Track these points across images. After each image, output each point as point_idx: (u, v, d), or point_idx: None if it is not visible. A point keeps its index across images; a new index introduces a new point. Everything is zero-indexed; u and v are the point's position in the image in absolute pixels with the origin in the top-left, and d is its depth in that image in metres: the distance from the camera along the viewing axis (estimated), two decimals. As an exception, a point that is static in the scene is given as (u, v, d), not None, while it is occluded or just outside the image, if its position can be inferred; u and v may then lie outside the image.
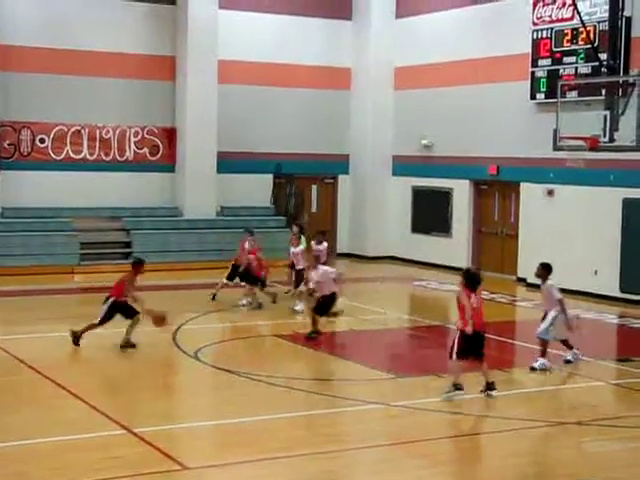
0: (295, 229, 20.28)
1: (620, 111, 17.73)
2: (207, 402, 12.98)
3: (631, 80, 18.28)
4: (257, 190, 28.04)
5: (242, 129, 27.68)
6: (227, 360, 14.82)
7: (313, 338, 15.95)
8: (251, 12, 27.87)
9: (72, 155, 26.09)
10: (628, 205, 21.14)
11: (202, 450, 10.78)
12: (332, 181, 29.86)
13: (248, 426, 11.45)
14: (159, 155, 27.06)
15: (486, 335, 12.95)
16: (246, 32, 27.68)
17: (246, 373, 13.79)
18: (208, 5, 26.43)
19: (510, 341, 17.02)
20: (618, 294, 21.31)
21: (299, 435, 11.44)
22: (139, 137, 26.80)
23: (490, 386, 12.82)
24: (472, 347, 12.70)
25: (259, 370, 13.97)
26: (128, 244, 25.87)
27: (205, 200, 26.76)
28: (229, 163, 27.01)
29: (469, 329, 12.58)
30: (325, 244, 20.07)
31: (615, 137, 17.66)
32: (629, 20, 20.93)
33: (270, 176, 28.33)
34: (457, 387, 12.65)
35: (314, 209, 29.76)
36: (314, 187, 29.70)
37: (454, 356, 12.73)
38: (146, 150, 26.90)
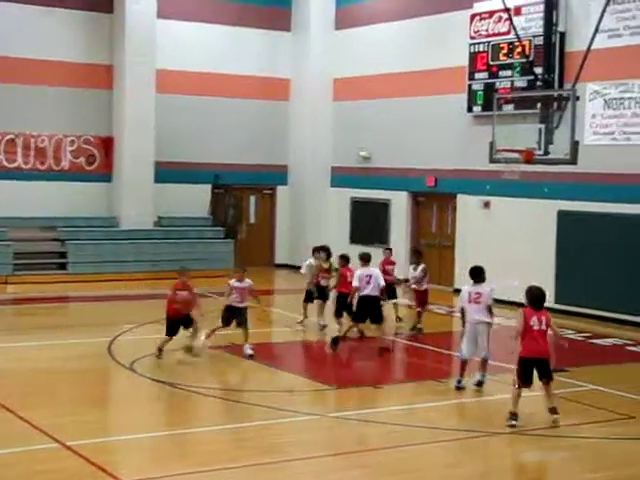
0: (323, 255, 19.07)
1: (555, 124, 17.99)
2: (143, 414, 12.82)
3: (565, 94, 18.55)
4: (195, 200, 27.89)
5: (180, 139, 27.53)
6: (163, 372, 14.68)
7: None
8: (190, 22, 27.76)
9: (6, 164, 25.68)
10: (563, 217, 21.43)
11: (138, 463, 10.65)
12: (271, 192, 29.83)
13: (184, 438, 11.35)
14: (96, 164, 26.76)
15: (546, 359, 12.18)
16: (185, 42, 27.58)
17: (182, 385, 13.68)
18: (146, 14, 26.24)
19: (446, 352, 17.11)
20: (553, 305, 21.55)
21: (235, 447, 11.38)
22: (75, 146, 26.48)
23: (551, 411, 12.22)
24: (532, 372, 12.06)
25: (195, 382, 13.86)
26: (63, 254, 25.53)
27: (142, 210, 26.52)
28: (167, 173, 26.82)
29: (526, 353, 12.01)
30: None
31: (550, 150, 17.90)
32: (563, 35, 21.27)
33: (208, 186, 28.21)
34: (512, 416, 12.09)
35: (252, 220, 29.69)
36: (252, 198, 29.64)
37: (515, 384, 12.22)
38: (82, 159, 26.58)
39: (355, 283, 16.47)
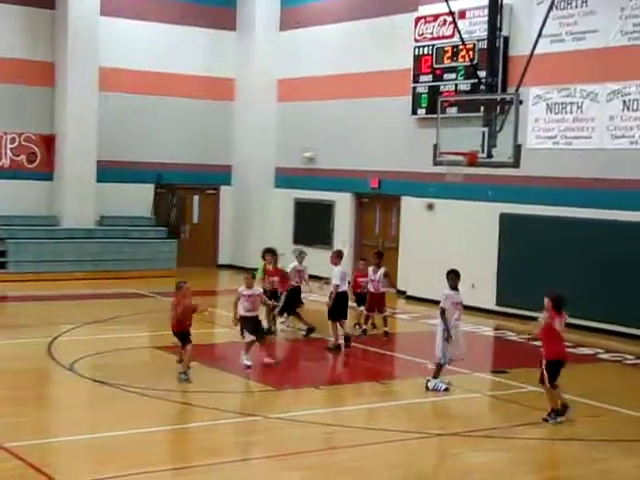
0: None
1: (498, 128, 18.09)
2: (83, 415, 12.67)
3: (508, 98, 18.69)
4: (138, 200, 27.66)
5: (124, 138, 27.27)
6: (104, 372, 14.50)
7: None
8: (135, 20, 27.53)
9: (-55, 161, 25.29)
10: (505, 220, 21.61)
11: (78, 465, 10.52)
12: (214, 192, 29.69)
13: (124, 439, 11.21)
14: (37, 162, 26.41)
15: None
16: (129, 40, 27.33)
17: (123, 385, 13.53)
18: (89, 11, 25.95)
19: (389, 353, 17.15)
20: (494, 307, 21.75)
21: (176, 448, 11.30)
22: (16, 144, 26.10)
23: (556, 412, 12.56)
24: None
25: (137, 382, 13.72)
26: (3, 253, 25.13)
27: (84, 209, 26.21)
28: (110, 172, 26.55)
29: (555, 356, 12.47)
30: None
31: (493, 153, 18.00)
32: (507, 40, 21.45)
33: (151, 186, 27.99)
34: (558, 412, 12.53)
35: (196, 220, 29.53)
36: (196, 198, 29.47)
37: (547, 385, 12.56)
38: (23, 157, 26.22)
39: (336, 281, 16.89)
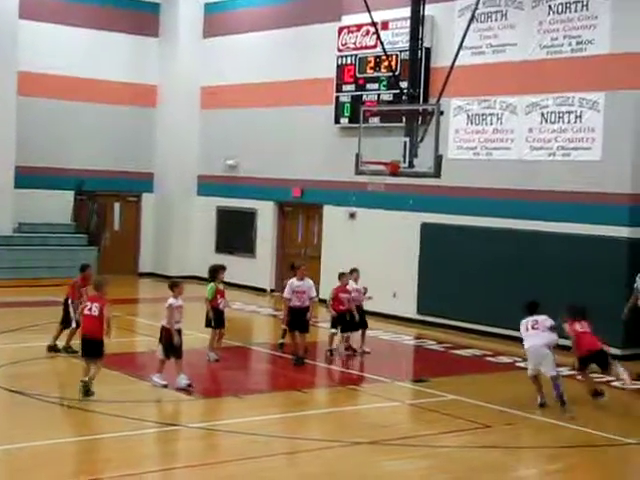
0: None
1: (419, 138, 18.22)
2: (-2, 426, 12.43)
3: (430, 109, 18.86)
4: (58, 207, 27.27)
5: (43, 144, 26.88)
6: (20, 382, 14.23)
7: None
8: (56, 24, 27.15)
9: None
10: (426, 229, 21.79)
11: (-11, 477, 10.30)
12: (136, 199, 29.42)
13: (40, 450, 11.01)
14: (-47, 168, 25.87)
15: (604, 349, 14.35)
16: (49, 44, 26.95)
17: (40, 395, 13.30)
18: (7, 14, 25.51)
19: (309, 362, 17.12)
20: (415, 316, 21.91)
21: (94, 459, 11.13)
22: None
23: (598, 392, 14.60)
24: (594, 361, 14.42)
25: (54, 392, 13.50)
26: None
27: (1, 216, 25.70)
28: (28, 178, 26.12)
29: (580, 353, 14.32)
30: None
31: (414, 163, 18.13)
32: (429, 51, 21.68)
33: (71, 193, 27.61)
34: (599, 392, 14.58)
35: (117, 227, 29.22)
36: (117, 205, 29.17)
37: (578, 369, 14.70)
38: (-63, 163, 25.67)
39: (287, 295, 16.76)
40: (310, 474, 10.78)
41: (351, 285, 17.84)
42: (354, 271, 18.21)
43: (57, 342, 16.60)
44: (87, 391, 13.30)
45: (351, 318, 17.57)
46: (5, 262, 25.34)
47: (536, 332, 14.14)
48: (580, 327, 14.32)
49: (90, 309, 13.70)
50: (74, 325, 16.21)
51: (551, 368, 13.95)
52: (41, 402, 13.06)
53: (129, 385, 14.66)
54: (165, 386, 14.21)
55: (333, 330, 17.64)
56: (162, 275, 28.05)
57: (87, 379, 13.39)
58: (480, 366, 17.72)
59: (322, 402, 14.59)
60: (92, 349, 13.61)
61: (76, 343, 15.24)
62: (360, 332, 17.99)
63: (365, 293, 18.24)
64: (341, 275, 17.90)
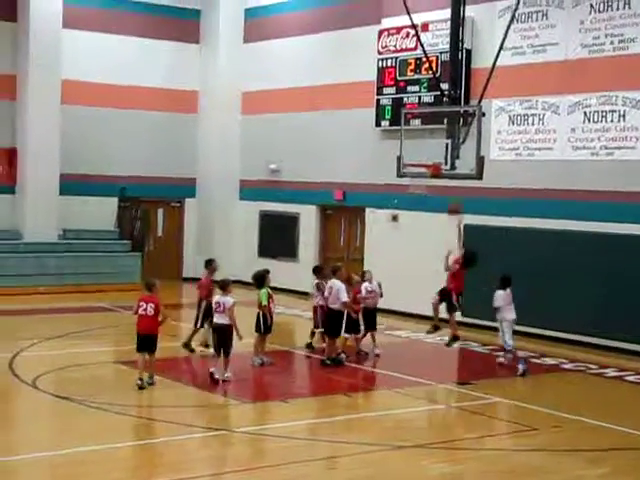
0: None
1: (461, 140, 18.15)
2: (46, 432, 12.54)
3: (471, 110, 18.78)
4: (101, 213, 27.50)
5: (87, 151, 27.12)
6: (67, 388, 14.39)
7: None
8: (96, 32, 27.40)
9: None
10: (468, 231, 21.63)
11: (38, 482, 10.41)
12: (179, 205, 29.60)
13: (89, 456, 11.09)
14: (-2, 176, 26.22)
15: None
16: (92, 52, 27.20)
17: (86, 401, 13.42)
18: (51, 23, 25.79)
19: (355, 366, 17.11)
20: (459, 318, 21.75)
21: (142, 464, 11.20)
22: (-22, 157, 25.92)
23: None
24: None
25: (100, 398, 13.61)
26: (-35, 267, 24.89)
27: (46, 223, 26.00)
28: (73, 185, 26.38)
29: None
30: None
31: (456, 165, 18.06)
32: (469, 52, 21.59)
33: (115, 199, 27.84)
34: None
35: (160, 233, 29.41)
36: (160, 211, 29.36)
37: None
38: (-15, 171, 26.03)
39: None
40: (355, 478, 10.77)
41: (365, 287, 17.91)
42: (366, 272, 18.65)
43: (192, 342, 17.43)
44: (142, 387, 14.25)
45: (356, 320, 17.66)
46: (50, 268, 25.61)
47: (510, 307, 16.92)
48: None
49: (145, 309, 14.47)
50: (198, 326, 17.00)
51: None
52: (87, 408, 13.16)
53: (175, 390, 14.74)
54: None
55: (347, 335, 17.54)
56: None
57: (144, 378, 14.35)
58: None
59: (366, 405, 14.58)
60: (148, 344, 14.51)
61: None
62: (370, 334, 18.08)
63: (380, 292, 18.20)
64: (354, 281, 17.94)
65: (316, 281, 18.17)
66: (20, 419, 13.41)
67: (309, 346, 18.26)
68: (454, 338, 17.75)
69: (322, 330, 17.71)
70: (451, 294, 17.40)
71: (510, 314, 17.16)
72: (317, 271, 18.67)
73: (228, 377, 15.00)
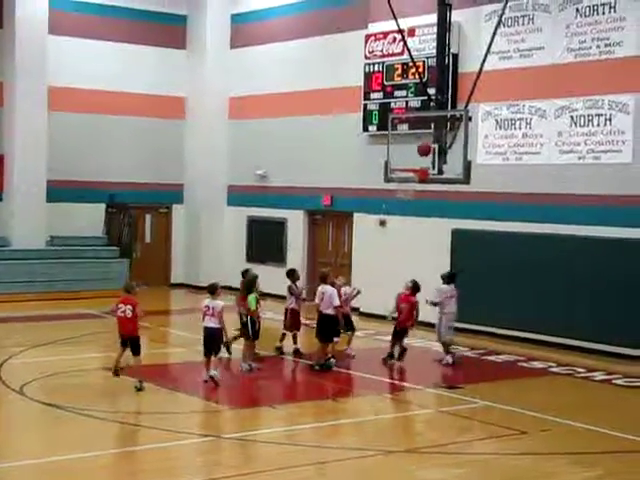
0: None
1: (448, 144, 18.19)
2: (34, 439, 12.47)
3: (458, 114, 18.82)
4: (89, 220, 27.45)
5: (74, 157, 27.07)
6: (55, 395, 14.34)
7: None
8: (83, 39, 27.35)
9: None
10: (456, 236, 21.72)
11: (26, 490, 10.36)
12: (166, 211, 29.56)
13: (77, 463, 11.06)
14: (-15, 183, 26.13)
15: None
16: (78, 59, 27.17)
17: (74, 408, 13.38)
18: (37, 30, 25.74)
19: (344, 371, 17.11)
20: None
21: (132, 470, 11.16)
22: (-37, 164, 25.84)
23: None
24: None
25: (88, 405, 13.57)
26: (-48, 275, 24.81)
27: (34, 230, 25.94)
28: (60, 192, 26.32)
29: None
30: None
31: (444, 170, 18.09)
32: (456, 57, 21.63)
33: (103, 205, 27.80)
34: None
35: (148, 239, 29.36)
36: (148, 217, 29.32)
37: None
38: (-29, 178, 25.95)
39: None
40: (346, 483, 10.77)
41: (344, 290, 18.36)
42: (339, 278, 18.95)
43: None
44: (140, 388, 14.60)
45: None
46: (38, 275, 25.54)
47: (452, 301, 17.66)
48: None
49: (124, 311, 14.77)
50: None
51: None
52: (76, 415, 13.13)
53: (163, 397, 14.71)
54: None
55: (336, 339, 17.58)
56: (194, 286, 28.16)
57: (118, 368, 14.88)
58: (513, 372, 17.62)
59: (356, 410, 14.56)
60: (131, 344, 14.87)
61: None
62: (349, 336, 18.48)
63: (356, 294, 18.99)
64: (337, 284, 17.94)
65: (289, 284, 18.17)
66: (7, 426, 13.34)
67: (278, 349, 18.24)
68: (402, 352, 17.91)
69: (291, 332, 18.20)
70: (406, 331, 17.84)
71: (451, 308, 17.80)
72: (290, 274, 18.70)
73: (215, 375, 15.22)
